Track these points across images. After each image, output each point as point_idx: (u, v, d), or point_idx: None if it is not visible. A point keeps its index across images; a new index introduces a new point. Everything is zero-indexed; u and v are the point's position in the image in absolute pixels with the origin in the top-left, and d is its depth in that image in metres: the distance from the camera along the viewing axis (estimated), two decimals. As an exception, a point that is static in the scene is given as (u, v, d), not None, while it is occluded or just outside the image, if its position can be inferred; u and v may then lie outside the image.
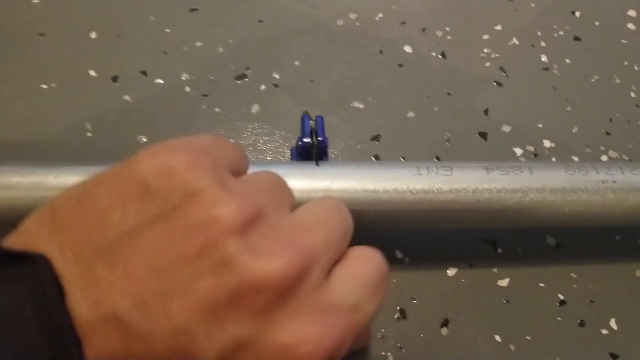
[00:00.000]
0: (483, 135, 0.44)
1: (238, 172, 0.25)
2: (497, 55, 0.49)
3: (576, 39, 0.51)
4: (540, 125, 0.45)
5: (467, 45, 0.49)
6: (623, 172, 0.35)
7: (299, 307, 0.21)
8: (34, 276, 0.18)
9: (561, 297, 0.37)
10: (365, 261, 0.25)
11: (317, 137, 0.34)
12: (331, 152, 0.42)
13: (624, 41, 0.51)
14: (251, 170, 0.28)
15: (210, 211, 0.20)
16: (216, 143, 0.24)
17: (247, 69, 0.46)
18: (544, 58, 0.49)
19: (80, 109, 0.43)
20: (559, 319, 0.37)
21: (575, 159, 0.43)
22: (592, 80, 0.48)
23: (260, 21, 0.49)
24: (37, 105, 0.43)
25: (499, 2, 0.53)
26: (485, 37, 0.50)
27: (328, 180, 0.32)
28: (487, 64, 0.48)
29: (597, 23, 0.52)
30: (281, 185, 0.26)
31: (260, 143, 0.42)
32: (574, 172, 0.34)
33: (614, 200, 0.34)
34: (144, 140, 0.42)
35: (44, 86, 0.44)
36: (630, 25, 0.52)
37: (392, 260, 0.38)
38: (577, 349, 0.36)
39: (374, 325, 0.35)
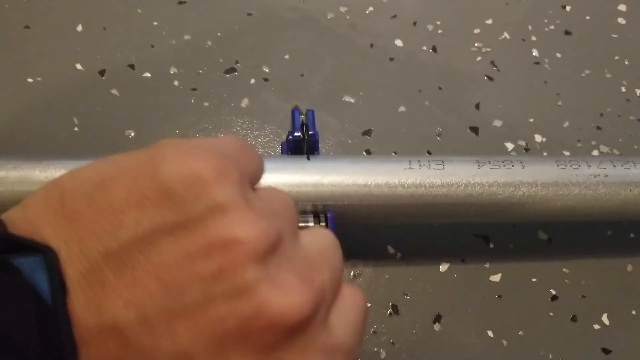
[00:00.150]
0: (474, 129, 0.44)
1: (254, 183, 0.23)
2: (488, 49, 0.49)
3: (567, 33, 0.51)
4: (531, 120, 0.45)
5: (458, 39, 0.49)
6: (614, 166, 0.35)
7: (305, 346, 0.19)
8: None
9: (553, 292, 0.37)
10: (356, 303, 0.23)
11: (307, 131, 0.34)
12: (322, 147, 0.41)
13: (614, 35, 0.51)
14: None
15: (234, 231, 0.18)
16: (243, 151, 0.22)
17: (237, 62, 0.46)
18: (535, 52, 0.49)
19: (67, 103, 0.42)
20: (551, 314, 0.37)
21: (567, 153, 0.43)
22: (583, 74, 0.48)
23: (250, 14, 0.49)
24: (23, 99, 0.43)
25: (490, -4, 0.53)
26: (477, 31, 0.50)
27: (319, 174, 0.32)
28: (478, 59, 0.48)
29: (587, 17, 0.52)
30: (292, 209, 0.24)
31: (250, 137, 0.42)
32: (566, 166, 0.34)
33: (606, 194, 0.34)
34: (132, 134, 0.41)
35: (30, 80, 0.43)
36: (621, 20, 0.52)
37: (384, 256, 0.38)
38: (569, 343, 0.36)
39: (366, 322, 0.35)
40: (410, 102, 0.45)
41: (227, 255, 0.18)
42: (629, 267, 0.39)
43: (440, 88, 0.46)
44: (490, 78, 0.47)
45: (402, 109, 0.44)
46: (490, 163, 0.34)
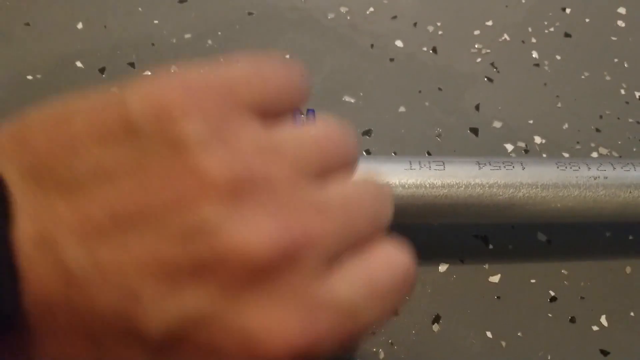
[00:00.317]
0: (474, 130, 0.44)
1: (282, 109, 0.20)
2: (488, 50, 0.49)
3: (567, 35, 0.51)
4: (531, 122, 0.45)
5: (458, 40, 0.49)
6: (614, 168, 0.35)
7: (279, 293, 0.18)
8: None
9: (552, 293, 0.37)
10: (389, 261, 0.21)
11: (308, 130, 0.34)
12: (322, 146, 0.41)
13: (614, 38, 0.51)
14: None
15: (193, 162, 0.17)
16: (255, 73, 0.20)
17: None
18: (534, 54, 0.49)
19: (67, 101, 0.42)
20: (549, 315, 0.37)
21: (566, 155, 0.43)
22: (583, 76, 0.48)
23: (250, 13, 0.49)
24: (23, 97, 0.42)
25: (490, -3, 0.53)
26: (477, 32, 0.50)
27: (320, 174, 0.32)
28: (478, 60, 0.48)
29: (587, 20, 0.52)
30: (339, 143, 0.21)
31: (249, 137, 0.42)
32: (566, 167, 0.34)
33: (605, 196, 0.34)
34: None
35: (29, 77, 0.43)
36: (620, 23, 0.52)
37: (383, 256, 0.38)
38: (567, 345, 0.36)
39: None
40: (410, 103, 0.45)
41: (185, 188, 0.17)
42: (628, 269, 0.39)
43: (440, 89, 0.46)
44: (490, 79, 0.47)
45: (402, 109, 0.44)
46: (490, 164, 0.34)
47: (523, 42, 0.50)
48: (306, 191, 0.19)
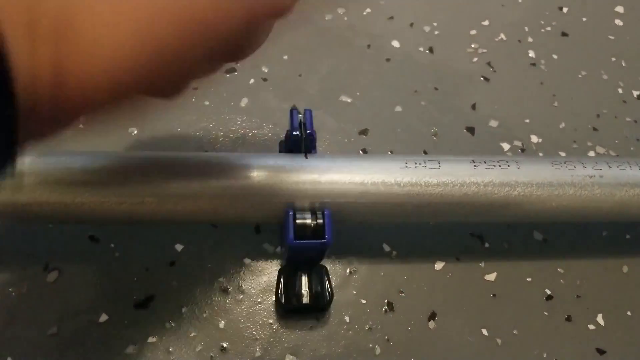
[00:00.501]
0: (470, 130, 0.44)
1: None
2: (485, 50, 0.49)
3: (563, 34, 0.51)
4: (527, 121, 0.45)
5: (454, 40, 0.49)
6: (610, 167, 0.35)
7: None
8: None
9: (548, 292, 0.38)
10: None
11: (305, 130, 0.34)
12: (319, 145, 0.42)
13: (611, 37, 0.51)
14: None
15: None
16: None
17: (236, 62, 0.46)
18: (531, 53, 0.49)
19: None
20: (545, 313, 0.37)
21: (563, 154, 0.43)
22: (580, 76, 0.48)
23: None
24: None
25: (487, -3, 0.53)
26: (473, 32, 0.50)
27: (317, 172, 0.32)
28: (475, 59, 0.48)
29: (584, 19, 0.52)
30: None
31: (249, 136, 0.42)
32: (561, 166, 0.34)
33: (601, 195, 0.34)
34: (135, 132, 0.41)
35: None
36: (618, 22, 0.52)
37: (380, 254, 0.38)
38: (564, 343, 0.36)
39: (361, 317, 0.35)
40: (407, 102, 0.45)
41: None
42: (625, 268, 0.39)
43: (436, 88, 0.46)
44: (486, 79, 0.47)
45: (398, 108, 0.45)
46: (486, 163, 0.34)
47: (519, 41, 0.50)
48: None
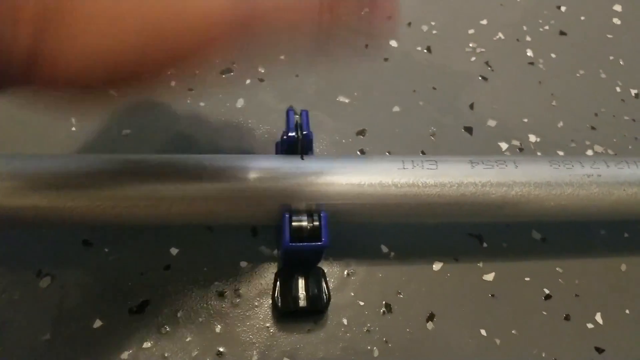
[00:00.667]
0: (468, 129, 0.44)
1: None
2: (483, 49, 0.49)
3: (562, 33, 0.51)
4: (525, 120, 0.45)
5: (452, 39, 0.49)
6: (608, 166, 0.35)
7: None
8: None
9: (547, 291, 0.37)
10: None
11: (302, 131, 0.34)
12: (316, 146, 0.42)
13: (609, 36, 0.51)
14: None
15: None
16: None
17: (233, 63, 0.46)
18: (529, 53, 0.49)
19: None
20: (544, 313, 0.37)
21: (561, 153, 0.43)
22: (578, 75, 0.48)
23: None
24: (22, 100, 0.42)
25: (485, -4, 0.53)
26: (471, 31, 0.50)
27: (313, 174, 0.32)
28: (473, 59, 0.48)
29: (582, 18, 0.52)
30: None
31: (245, 137, 0.42)
32: (559, 166, 0.34)
33: (599, 194, 0.34)
34: (129, 133, 0.41)
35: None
36: (616, 20, 0.52)
37: (377, 255, 0.38)
38: (562, 343, 0.36)
39: (359, 319, 0.35)
40: (405, 102, 0.45)
41: None
42: (623, 267, 0.39)
43: (434, 88, 0.46)
44: (484, 78, 0.47)
45: (396, 109, 0.44)
46: (483, 163, 0.34)
47: (518, 40, 0.50)
48: None
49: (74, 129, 0.41)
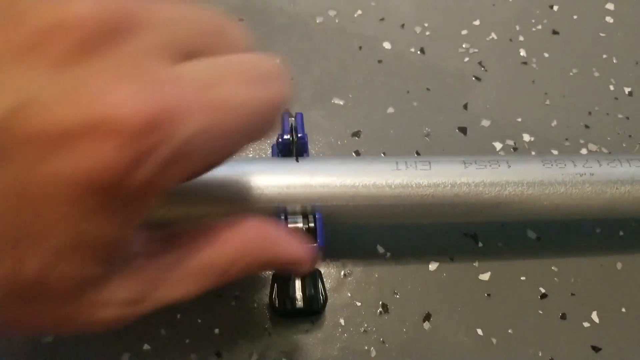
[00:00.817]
0: (463, 130, 0.44)
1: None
2: (476, 50, 0.49)
3: (554, 32, 0.51)
4: (519, 119, 0.45)
5: (445, 40, 0.49)
6: (600, 164, 0.35)
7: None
8: None
9: (542, 290, 0.38)
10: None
11: (296, 133, 0.34)
12: (312, 148, 0.42)
13: (602, 34, 0.51)
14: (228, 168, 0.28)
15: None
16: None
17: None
18: (522, 52, 0.49)
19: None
20: (540, 312, 0.37)
21: (555, 152, 0.44)
22: (571, 73, 0.48)
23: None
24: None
25: (478, -3, 0.53)
26: (464, 32, 0.50)
27: (308, 176, 0.32)
28: (466, 59, 0.48)
29: (575, 17, 0.52)
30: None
31: (240, 141, 0.42)
32: (552, 165, 0.35)
33: (592, 193, 0.34)
34: None
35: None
36: (609, 19, 0.52)
37: (373, 256, 0.38)
38: (559, 341, 0.36)
39: (356, 319, 0.35)
40: (399, 103, 0.45)
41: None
42: (619, 265, 0.39)
43: (428, 89, 0.46)
44: (478, 78, 0.47)
45: (390, 110, 0.45)
46: (476, 163, 0.34)
47: (510, 40, 0.50)
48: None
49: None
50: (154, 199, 0.19)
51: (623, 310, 0.37)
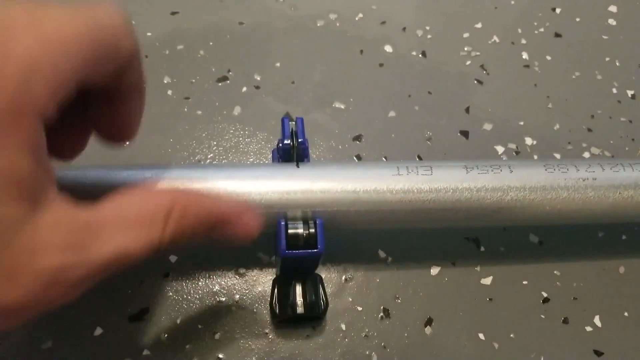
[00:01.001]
0: (464, 133, 0.44)
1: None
2: (478, 53, 0.49)
3: (557, 35, 0.51)
4: (521, 123, 0.45)
5: (447, 43, 0.49)
6: (603, 169, 0.35)
7: None
8: None
9: (544, 294, 0.38)
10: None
11: (297, 138, 0.34)
12: (313, 152, 0.42)
13: (604, 37, 0.51)
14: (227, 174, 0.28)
15: None
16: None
17: (229, 71, 0.46)
18: (524, 55, 0.49)
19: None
20: (542, 316, 0.37)
21: (557, 156, 0.43)
22: (573, 76, 0.48)
23: (241, 23, 0.49)
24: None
25: (479, 0, 0.53)
26: (466, 35, 0.50)
27: (308, 181, 0.32)
28: (468, 62, 0.48)
29: (577, 19, 0.52)
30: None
31: (242, 145, 0.42)
32: (554, 170, 0.34)
33: (594, 197, 0.34)
34: (127, 143, 0.41)
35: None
36: (611, 21, 0.52)
37: (375, 260, 0.38)
38: (561, 346, 0.36)
39: (357, 324, 0.35)
40: (400, 107, 0.45)
41: None
42: (621, 269, 0.39)
43: (430, 93, 0.46)
44: (479, 82, 0.47)
45: (392, 114, 0.45)
46: (478, 168, 0.34)
47: (513, 43, 0.50)
48: None
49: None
50: (36, 117, 0.19)
51: (625, 314, 0.37)
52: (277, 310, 0.34)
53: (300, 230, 0.31)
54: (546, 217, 0.34)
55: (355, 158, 0.42)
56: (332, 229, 0.33)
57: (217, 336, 0.34)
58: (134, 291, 0.35)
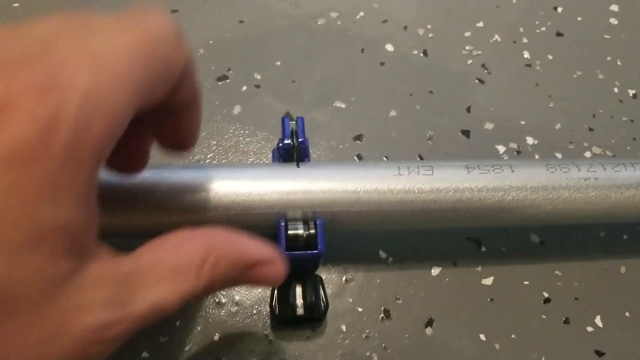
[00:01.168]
0: (466, 133, 0.44)
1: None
2: (479, 52, 0.49)
3: (558, 34, 0.51)
4: (523, 122, 0.45)
5: (448, 42, 0.49)
6: (605, 169, 0.35)
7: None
8: None
9: (546, 294, 0.37)
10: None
11: (297, 138, 0.34)
12: (314, 152, 0.41)
13: (606, 36, 0.51)
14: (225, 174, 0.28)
15: None
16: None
17: (229, 69, 0.46)
18: (526, 54, 0.49)
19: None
20: (543, 316, 0.37)
21: (559, 155, 0.43)
22: (575, 76, 0.48)
23: (242, 21, 0.49)
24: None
25: (481, -2, 0.53)
26: (467, 34, 0.50)
27: (308, 181, 0.32)
28: (469, 61, 0.48)
29: (579, 18, 0.52)
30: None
31: (242, 144, 0.42)
32: (555, 169, 0.34)
33: (596, 197, 0.34)
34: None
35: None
36: (613, 20, 0.52)
37: (375, 261, 0.38)
38: (562, 346, 0.36)
39: (358, 325, 0.35)
40: (401, 107, 0.45)
41: None
42: (623, 269, 0.39)
43: (431, 92, 0.46)
44: (481, 81, 0.47)
45: (393, 113, 0.44)
46: (479, 168, 0.34)
47: (514, 42, 0.50)
48: None
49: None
50: (94, 161, 0.18)
51: (627, 314, 0.37)
52: (277, 312, 0.34)
53: (301, 231, 0.31)
54: (547, 217, 0.34)
55: (356, 158, 0.42)
56: (333, 230, 0.32)
57: (216, 337, 0.34)
58: (133, 291, 0.35)
